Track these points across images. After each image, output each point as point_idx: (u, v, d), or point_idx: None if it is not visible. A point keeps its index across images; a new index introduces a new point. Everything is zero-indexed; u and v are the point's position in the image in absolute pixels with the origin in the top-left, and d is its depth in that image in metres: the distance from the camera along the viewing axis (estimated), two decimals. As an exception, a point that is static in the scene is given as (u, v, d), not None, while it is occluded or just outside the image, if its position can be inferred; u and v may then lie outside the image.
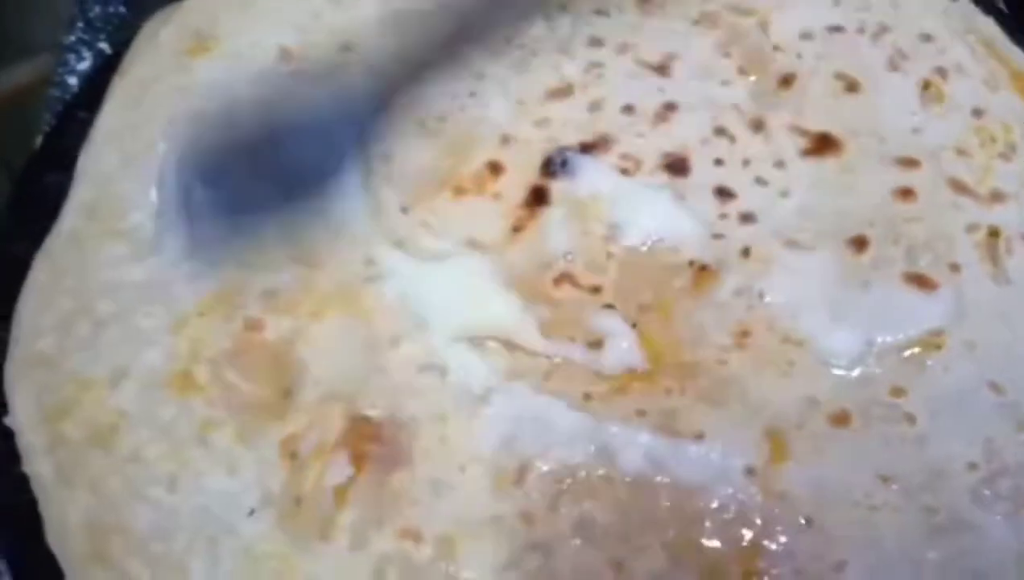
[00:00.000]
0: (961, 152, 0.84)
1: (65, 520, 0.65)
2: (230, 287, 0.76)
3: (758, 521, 0.66)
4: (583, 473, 0.68)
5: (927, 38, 0.91)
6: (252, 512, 0.66)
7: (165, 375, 0.72)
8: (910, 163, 0.83)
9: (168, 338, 0.74)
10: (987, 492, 0.67)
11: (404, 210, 0.81)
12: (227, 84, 0.88)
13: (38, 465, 0.67)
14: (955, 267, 0.77)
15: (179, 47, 0.90)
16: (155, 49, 0.90)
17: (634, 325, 0.75)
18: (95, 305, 0.76)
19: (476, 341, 0.74)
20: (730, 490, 0.67)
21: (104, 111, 0.86)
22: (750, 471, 0.68)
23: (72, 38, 1.04)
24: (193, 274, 0.77)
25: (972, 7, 0.94)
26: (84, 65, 1.02)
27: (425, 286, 0.77)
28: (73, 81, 1.00)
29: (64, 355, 0.73)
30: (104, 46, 1.03)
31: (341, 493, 0.67)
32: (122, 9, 1.07)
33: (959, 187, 0.82)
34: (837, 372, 0.73)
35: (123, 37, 1.00)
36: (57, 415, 0.70)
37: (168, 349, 0.73)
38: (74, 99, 0.90)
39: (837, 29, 0.93)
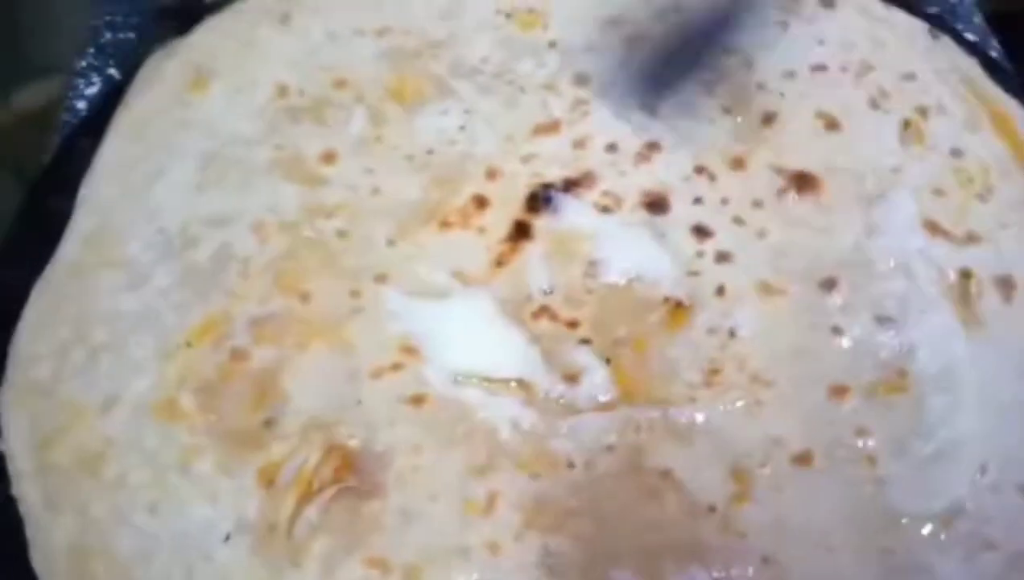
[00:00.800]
0: (938, 192, 0.85)
1: (50, 544, 0.68)
2: (218, 316, 0.79)
3: (716, 558, 0.67)
4: (551, 507, 0.70)
5: (910, 77, 0.93)
6: (228, 538, 0.69)
7: (152, 403, 0.74)
8: (885, 203, 0.85)
9: (157, 367, 0.76)
10: (944, 534, 0.68)
11: (390, 243, 0.84)
12: (225, 120, 0.91)
13: (26, 489, 0.70)
14: (924, 311, 0.79)
15: (180, 82, 0.93)
16: (158, 83, 0.93)
17: (608, 360, 0.77)
18: (91, 334, 0.78)
19: (454, 374, 0.76)
20: (691, 527, 0.69)
21: (106, 143, 0.89)
22: (712, 508, 0.70)
23: (83, 63, 1.07)
24: (183, 304, 0.80)
25: (955, 47, 0.95)
26: (92, 90, 1.05)
27: (407, 319, 0.79)
28: (82, 105, 1.03)
29: (59, 382, 0.76)
30: (113, 72, 1.06)
31: (314, 522, 0.69)
32: (131, 35, 1.10)
33: (933, 228, 0.83)
34: (802, 413, 0.74)
35: (132, 63, 1.02)
36: (49, 441, 0.73)
37: (156, 378, 0.76)
38: (79, 126, 0.93)
39: (820, 68, 0.94)
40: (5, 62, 1.13)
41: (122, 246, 0.83)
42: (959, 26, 1.05)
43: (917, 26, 0.97)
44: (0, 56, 1.10)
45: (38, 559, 0.68)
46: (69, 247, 0.83)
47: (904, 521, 0.69)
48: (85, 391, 0.75)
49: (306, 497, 0.70)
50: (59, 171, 0.90)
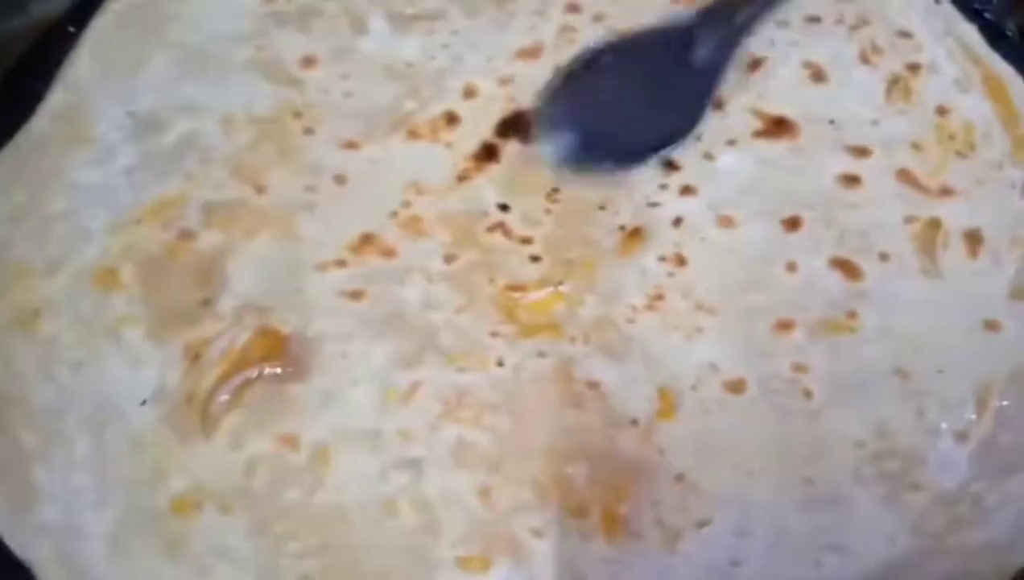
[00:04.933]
0: (917, 146, 0.83)
1: (-30, 388, 0.69)
2: (174, 198, 0.79)
3: (629, 468, 0.66)
4: (472, 401, 0.69)
5: (905, 35, 0.90)
6: (144, 403, 0.69)
7: (93, 271, 0.75)
8: (861, 152, 0.82)
9: (105, 238, 0.77)
10: (869, 470, 0.66)
11: (355, 145, 0.83)
12: (212, 17, 0.92)
13: (-42, 337, 0.71)
14: (885, 256, 0.76)
15: (174, -24, 0.95)
16: (151, -24, 0.94)
17: (560, 283, 0.76)
18: (48, 202, 0.79)
19: (396, 273, 0.76)
20: (609, 436, 0.67)
21: (94, 25, 0.90)
22: (634, 422, 0.68)
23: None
24: (141, 183, 0.80)
25: (955, 11, 0.92)
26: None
27: (356, 218, 0.79)
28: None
29: (10, 244, 0.77)
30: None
31: (233, 397, 0.69)
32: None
33: (907, 178, 0.81)
34: (742, 342, 0.72)
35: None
36: (-11, 296, 0.74)
37: (103, 248, 0.76)
38: (66, 14, 0.94)
39: (814, 19, 0.92)
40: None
41: (92, 124, 0.84)
42: (976, 5, 1.02)
43: (919, -12, 0.95)
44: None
45: (-45, 401, 0.68)
46: (39, 121, 0.84)
47: (831, 453, 0.67)
48: (32, 253, 0.76)
49: (229, 373, 0.70)
50: (42, 55, 0.91)
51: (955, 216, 0.79)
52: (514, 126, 0.85)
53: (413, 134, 0.84)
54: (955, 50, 0.89)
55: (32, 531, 0.63)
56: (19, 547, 0.62)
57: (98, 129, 0.83)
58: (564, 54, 0.90)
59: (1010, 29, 1.01)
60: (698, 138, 0.84)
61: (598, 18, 0.93)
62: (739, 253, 0.77)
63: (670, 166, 0.82)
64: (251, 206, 0.79)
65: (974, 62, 0.88)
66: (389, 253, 0.77)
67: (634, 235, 0.78)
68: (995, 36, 0.91)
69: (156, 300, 0.74)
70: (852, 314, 0.73)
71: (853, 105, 0.86)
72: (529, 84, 0.88)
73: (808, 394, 0.70)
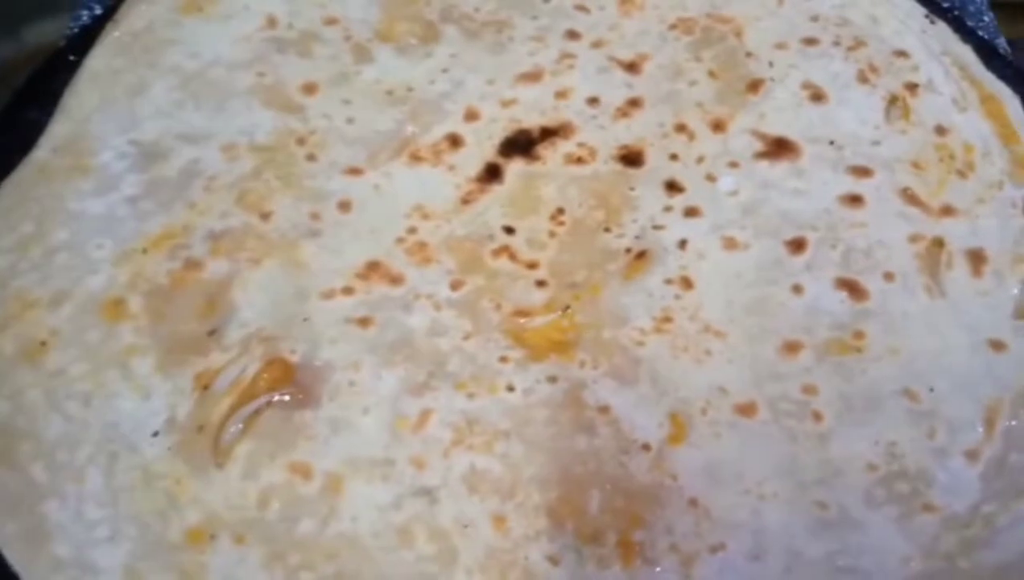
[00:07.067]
0: (917, 166, 0.84)
1: (-22, 421, 0.68)
2: (177, 227, 0.79)
3: (643, 494, 0.66)
4: (483, 428, 0.69)
5: (902, 55, 0.92)
6: (156, 434, 0.68)
7: (100, 301, 0.74)
8: (863, 172, 0.83)
9: (111, 269, 0.76)
10: (881, 493, 0.66)
11: (358, 171, 0.84)
12: (212, 43, 0.92)
13: (-36, 369, 0.70)
14: (889, 276, 0.77)
15: (174, 3, 0.94)
16: (151, 2, 0.94)
17: (567, 308, 0.76)
18: (52, 232, 0.79)
19: (403, 300, 0.76)
20: (622, 462, 0.67)
21: (93, 54, 0.90)
22: (645, 447, 0.68)
23: (87, -7, 1.08)
24: (146, 212, 0.80)
25: (950, 32, 0.94)
26: (92, 17, 1.05)
27: (361, 245, 0.79)
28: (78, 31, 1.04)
29: (14, 275, 0.76)
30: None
31: (244, 427, 0.68)
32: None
33: (910, 198, 0.82)
34: (751, 365, 0.72)
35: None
36: (-5, 328, 0.73)
37: (109, 278, 0.76)
38: (68, 43, 0.94)
39: (812, 41, 0.93)
40: (15, -2, 1.13)
41: (94, 154, 0.84)
42: (969, 23, 1.04)
43: (915, 9, 0.96)
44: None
45: (-37, 434, 0.68)
46: (41, 152, 0.84)
47: (842, 476, 0.67)
48: (37, 285, 0.75)
49: (240, 403, 0.70)
50: (42, 84, 0.91)
51: (957, 235, 0.79)
52: (518, 145, 0.86)
53: (416, 158, 0.85)
54: (951, 69, 0.91)
55: (47, 567, 0.63)
56: (35, 585, 0.62)
57: (100, 159, 0.83)
58: (564, 79, 0.91)
59: (1002, 47, 1.03)
60: (700, 160, 0.85)
61: (597, 45, 0.94)
62: (745, 275, 0.78)
63: (673, 188, 0.83)
64: (256, 234, 0.79)
65: (971, 82, 0.89)
66: (396, 280, 0.77)
67: (640, 258, 0.79)
68: (989, 55, 0.93)
69: (164, 330, 0.74)
70: (859, 334, 0.74)
71: (853, 125, 0.87)
72: (532, 106, 0.89)
73: (818, 417, 0.70)
